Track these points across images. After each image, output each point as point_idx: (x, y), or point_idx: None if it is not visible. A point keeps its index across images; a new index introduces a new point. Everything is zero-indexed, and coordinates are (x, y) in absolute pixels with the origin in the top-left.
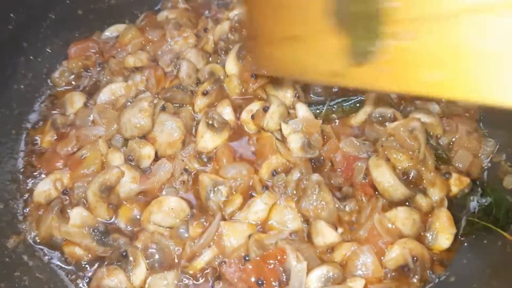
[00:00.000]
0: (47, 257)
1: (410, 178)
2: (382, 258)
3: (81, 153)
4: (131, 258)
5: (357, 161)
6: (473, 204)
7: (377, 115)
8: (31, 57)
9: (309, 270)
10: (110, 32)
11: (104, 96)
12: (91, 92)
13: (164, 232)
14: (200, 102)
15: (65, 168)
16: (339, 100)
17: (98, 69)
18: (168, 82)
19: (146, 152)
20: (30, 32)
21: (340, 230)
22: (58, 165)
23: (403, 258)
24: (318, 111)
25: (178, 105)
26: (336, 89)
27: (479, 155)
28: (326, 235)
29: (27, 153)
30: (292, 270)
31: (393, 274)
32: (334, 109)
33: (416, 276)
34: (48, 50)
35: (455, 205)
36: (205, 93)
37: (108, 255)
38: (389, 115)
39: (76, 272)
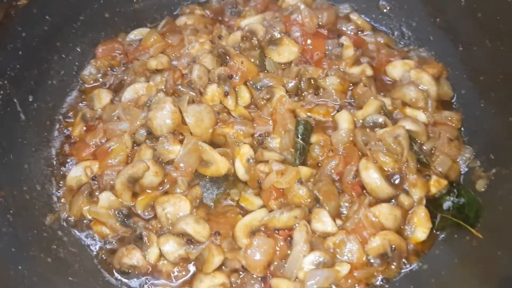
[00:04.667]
0: (77, 233)
1: (395, 179)
2: (365, 246)
3: (109, 145)
4: (145, 239)
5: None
6: (448, 203)
7: (370, 121)
8: (63, 56)
9: None
10: (134, 35)
11: (128, 94)
12: (117, 89)
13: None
14: (211, 93)
15: (94, 157)
16: None
17: (122, 68)
18: (184, 81)
19: (175, 150)
20: (63, 33)
21: (339, 222)
22: (87, 154)
23: (383, 248)
24: None
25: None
26: None
27: (458, 160)
28: (326, 224)
29: (59, 142)
30: (294, 248)
31: (374, 261)
32: None
33: (394, 263)
34: (78, 49)
35: (433, 203)
36: (226, 95)
37: (128, 236)
38: (380, 121)
39: (101, 248)
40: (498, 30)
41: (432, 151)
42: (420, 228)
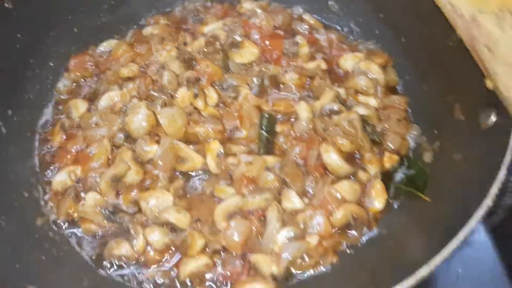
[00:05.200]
0: (66, 232)
1: (353, 158)
2: (331, 218)
3: (89, 150)
4: (132, 232)
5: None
6: (400, 175)
7: (327, 109)
8: (37, 70)
9: None
10: (104, 47)
11: (103, 102)
12: (91, 98)
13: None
14: (181, 96)
15: (76, 162)
16: None
17: (95, 79)
18: (155, 86)
19: (152, 149)
20: (35, 49)
21: (306, 200)
22: (69, 160)
23: (346, 218)
24: None
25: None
26: None
27: (406, 137)
28: (294, 202)
29: (41, 151)
30: (268, 227)
31: (339, 230)
32: None
33: (357, 231)
34: (51, 63)
35: (387, 176)
36: (195, 97)
37: (115, 230)
38: (335, 108)
39: (90, 245)
40: (433, 22)
41: (384, 131)
42: (377, 199)
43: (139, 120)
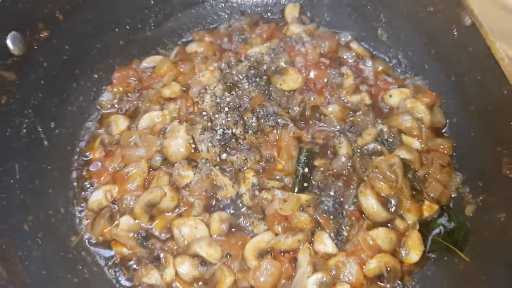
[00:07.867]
0: (99, 255)
1: (391, 204)
2: (363, 267)
3: (127, 170)
4: (163, 261)
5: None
6: (440, 227)
7: (368, 149)
8: (82, 82)
9: None
10: (147, 62)
11: (144, 122)
12: (132, 115)
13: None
14: (221, 122)
15: (112, 181)
16: None
17: (137, 94)
18: (196, 109)
19: (189, 175)
20: (81, 61)
21: (339, 243)
22: (107, 178)
23: (379, 269)
24: None
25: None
26: None
27: (449, 186)
28: (327, 245)
29: (80, 166)
30: (298, 270)
31: (370, 281)
32: None
33: (389, 284)
34: (95, 76)
35: (425, 226)
36: (235, 123)
37: (146, 256)
38: (378, 149)
39: (120, 268)
40: (486, 64)
41: (425, 177)
42: (413, 251)
43: (177, 144)
